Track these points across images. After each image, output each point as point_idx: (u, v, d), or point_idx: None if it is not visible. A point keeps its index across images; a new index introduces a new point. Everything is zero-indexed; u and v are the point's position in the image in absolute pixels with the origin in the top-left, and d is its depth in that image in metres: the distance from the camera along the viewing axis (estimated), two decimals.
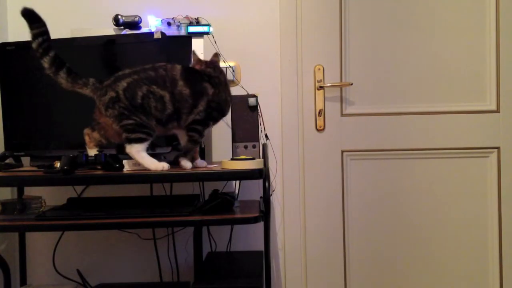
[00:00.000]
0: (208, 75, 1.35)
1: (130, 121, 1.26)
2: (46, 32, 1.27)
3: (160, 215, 1.25)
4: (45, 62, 1.27)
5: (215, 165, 1.37)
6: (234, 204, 1.36)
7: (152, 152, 1.46)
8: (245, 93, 1.61)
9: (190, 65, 1.39)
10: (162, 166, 1.26)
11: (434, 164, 1.75)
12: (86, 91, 1.29)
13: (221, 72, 1.39)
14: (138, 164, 1.32)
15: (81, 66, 1.51)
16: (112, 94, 1.26)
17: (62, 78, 1.28)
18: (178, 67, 1.33)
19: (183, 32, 1.59)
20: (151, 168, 1.26)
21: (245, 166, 1.26)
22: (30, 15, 1.26)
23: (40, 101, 1.54)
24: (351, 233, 1.78)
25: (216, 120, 1.37)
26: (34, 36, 1.25)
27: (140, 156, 1.26)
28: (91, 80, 1.29)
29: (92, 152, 1.30)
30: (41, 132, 1.54)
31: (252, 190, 1.76)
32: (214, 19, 1.71)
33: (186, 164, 1.30)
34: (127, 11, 1.69)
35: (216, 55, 1.40)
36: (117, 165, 1.29)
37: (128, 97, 1.26)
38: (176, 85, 1.29)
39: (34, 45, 1.26)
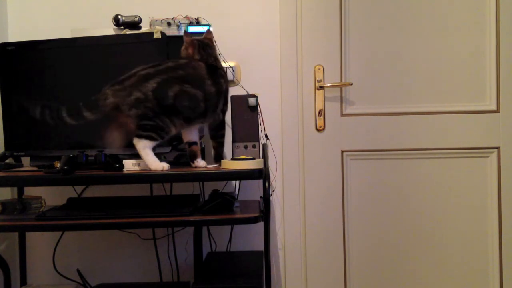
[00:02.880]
0: (221, 68, 1.39)
1: (151, 123, 1.26)
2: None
3: (160, 215, 1.25)
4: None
5: (215, 165, 1.37)
6: (234, 204, 1.36)
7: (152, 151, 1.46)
8: (245, 93, 1.61)
9: (182, 48, 1.39)
10: (162, 166, 1.27)
11: (434, 164, 1.75)
12: (110, 103, 1.25)
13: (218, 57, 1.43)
14: (138, 164, 1.32)
15: (81, 66, 1.51)
16: (138, 95, 1.25)
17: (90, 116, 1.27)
18: (202, 64, 1.34)
19: (183, 32, 1.59)
20: (151, 167, 1.26)
21: (245, 166, 1.26)
22: None
23: (40, 101, 1.53)
24: (351, 233, 1.78)
25: (225, 113, 1.42)
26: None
27: (145, 152, 1.26)
28: (108, 91, 1.25)
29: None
30: (41, 132, 1.54)
31: (252, 190, 1.76)
32: (214, 19, 1.71)
33: (200, 163, 1.34)
34: (127, 11, 1.69)
35: (209, 32, 1.42)
36: (117, 165, 1.30)
37: (158, 98, 1.25)
38: (205, 84, 1.32)
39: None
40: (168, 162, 1.51)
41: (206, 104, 1.32)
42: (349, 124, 1.76)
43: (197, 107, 1.30)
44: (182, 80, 1.28)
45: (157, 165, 1.26)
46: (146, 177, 1.26)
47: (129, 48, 1.50)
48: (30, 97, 1.54)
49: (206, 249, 1.74)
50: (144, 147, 1.26)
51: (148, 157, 1.27)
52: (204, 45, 1.39)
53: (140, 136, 1.26)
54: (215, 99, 1.34)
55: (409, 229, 1.76)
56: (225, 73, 1.41)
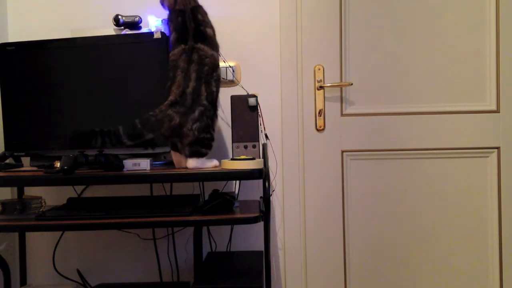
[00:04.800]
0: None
1: (208, 135, 1.31)
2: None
3: (160, 215, 1.25)
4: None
5: (213, 163, 1.37)
6: (234, 204, 1.36)
7: (153, 151, 1.47)
8: (245, 93, 1.61)
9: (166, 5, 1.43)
10: (215, 163, 1.34)
11: (434, 164, 1.75)
12: (176, 124, 1.28)
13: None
14: (138, 164, 1.32)
15: (82, 66, 1.52)
16: (201, 108, 1.29)
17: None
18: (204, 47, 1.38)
19: None
20: (211, 165, 1.33)
21: (245, 166, 1.26)
22: None
23: (40, 101, 1.54)
24: (351, 233, 1.78)
25: None
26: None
27: (203, 165, 1.32)
28: (171, 113, 1.26)
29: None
30: (41, 132, 1.54)
31: (252, 190, 1.77)
32: (214, 19, 1.70)
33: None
34: (127, 11, 1.69)
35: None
36: (117, 165, 1.30)
37: (211, 101, 1.32)
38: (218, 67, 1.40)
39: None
40: (168, 162, 1.52)
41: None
42: (349, 124, 1.76)
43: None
44: (213, 69, 1.34)
45: (215, 163, 1.35)
46: (146, 177, 1.26)
47: (129, 48, 1.50)
48: (30, 97, 1.54)
49: (206, 249, 1.74)
50: (202, 162, 1.31)
51: (206, 164, 1.32)
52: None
53: (199, 154, 1.30)
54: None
55: (409, 229, 1.76)
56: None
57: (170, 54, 1.37)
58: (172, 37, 1.40)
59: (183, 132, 1.28)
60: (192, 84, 1.29)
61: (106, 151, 1.30)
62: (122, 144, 1.24)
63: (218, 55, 1.41)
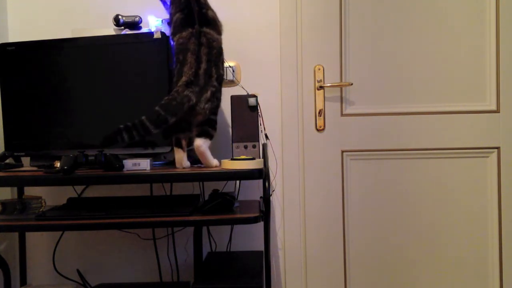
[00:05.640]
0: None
1: (215, 118, 1.34)
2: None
3: (160, 215, 1.25)
4: None
5: (214, 161, 1.37)
6: (234, 204, 1.36)
7: (152, 151, 1.47)
8: (245, 93, 1.61)
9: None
10: (216, 163, 1.34)
11: (434, 164, 1.75)
12: (192, 104, 1.29)
13: None
14: (138, 164, 1.32)
15: (82, 66, 1.52)
16: (212, 89, 1.32)
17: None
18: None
19: None
20: (212, 164, 1.33)
21: (245, 166, 1.26)
22: None
23: (40, 101, 1.54)
24: (351, 233, 1.78)
25: None
26: None
27: (208, 150, 1.33)
28: (188, 93, 1.27)
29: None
30: (41, 132, 1.54)
31: (252, 190, 1.77)
32: None
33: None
34: (127, 11, 1.69)
35: None
36: (117, 165, 1.30)
37: (220, 81, 1.36)
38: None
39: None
40: (168, 162, 1.52)
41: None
42: (349, 124, 1.76)
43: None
44: (220, 53, 1.37)
45: (217, 162, 1.35)
46: (146, 177, 1.26)
47: (129, 48, 1.50)
48: (30, 97, 1.54)
49: (206, 249, 1.74)
50: (207, 146, 1.32)
51: (210, 155, 1.33)
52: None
53: (208, 135, 1.32)
54: None
55: (409, 229, 1.76)
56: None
57: (177, 37, 1.37)
58: (175, 18, 1.40)
59: (196, 110, 1.29)
60: (203, 66, 1.31)
61: (106, 151, 1.30)
62: (150, 133, 1.24)
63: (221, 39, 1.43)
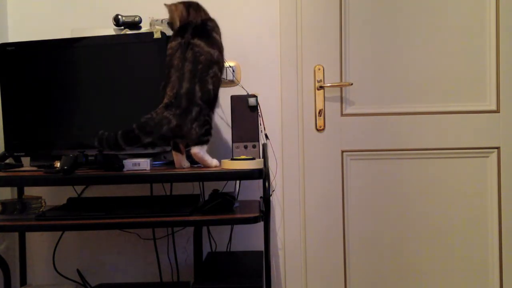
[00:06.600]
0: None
1: (208, 126, 1.32)
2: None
3: (160, 215, 1.25)
4: None
5: (214, 162, 1.37)
6: (234, 204, 1.36)
7: (153, 151, 1.47)
8: (245, 93, 1.61)
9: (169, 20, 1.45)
10: (216, 163, 1.33)
11: (434, 164, 1.75)
12: (174, 126, 1.28)
13: None
14: (138, 164, 1.32)
15: (81, 66, 1.52)
16: (196, 108, 1.29)
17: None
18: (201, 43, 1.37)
19: None
20: (212, 165, 1.32)
21: (245, 166, 1.26)
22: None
23: (40, 101, 1.54)
24: (351, 233, 1.78)
25: None
26: None
27: (206, 154, 1.32)
28: (168, 115, 1.26)
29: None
30: (42, 132, 1.54)
31: (252, 190, 1.77)
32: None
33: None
34: (127, 11, 1.69)
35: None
36: (117, 165, 1.30)
37: (206, 100, 1.31)
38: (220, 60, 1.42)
39: None
40: (168, 162, 1.52)
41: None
42: (349, 124, 1.76)
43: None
44: (209, 67, 1.32)
45: (216, 162, 1.33)
46: (146, 177, 1.26)
47: (129, 48, 1.50)
48: (30, 97, 1.54)
49: (206, 249, 1.74)
50: (204, 151, 1.32)
51: (208, 158, 1.33)
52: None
53: (203, 142, 1.30)
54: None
55: (409, 229, 1.76)
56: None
57: (168, 47, 1.35)
58: (174, 27, 1.41)
59: (185, 132, 1.27)
60: (185, 85, 1.28)
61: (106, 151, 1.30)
62: (121, 149, 1.25)
63: (220, 54, 1.38)
